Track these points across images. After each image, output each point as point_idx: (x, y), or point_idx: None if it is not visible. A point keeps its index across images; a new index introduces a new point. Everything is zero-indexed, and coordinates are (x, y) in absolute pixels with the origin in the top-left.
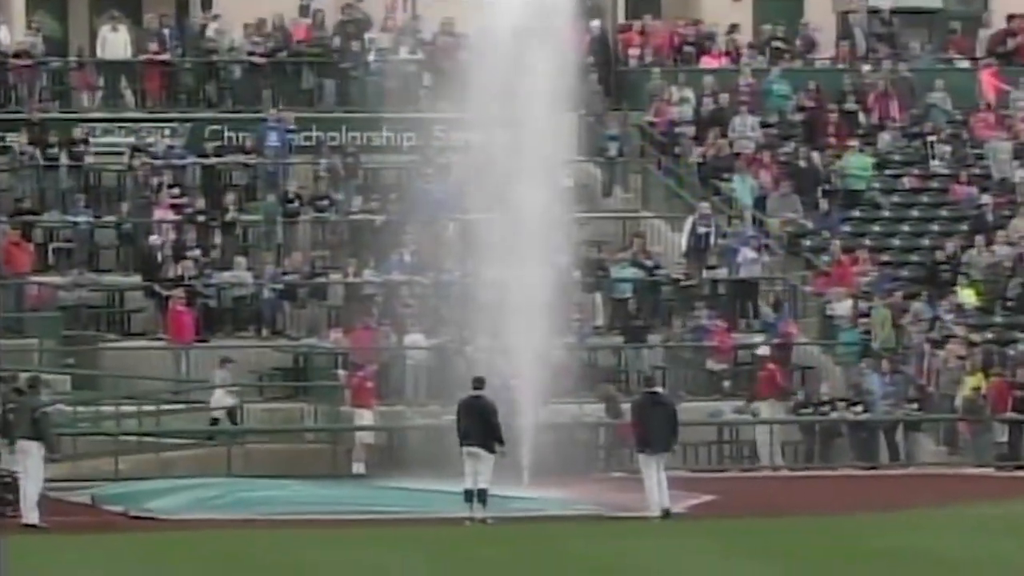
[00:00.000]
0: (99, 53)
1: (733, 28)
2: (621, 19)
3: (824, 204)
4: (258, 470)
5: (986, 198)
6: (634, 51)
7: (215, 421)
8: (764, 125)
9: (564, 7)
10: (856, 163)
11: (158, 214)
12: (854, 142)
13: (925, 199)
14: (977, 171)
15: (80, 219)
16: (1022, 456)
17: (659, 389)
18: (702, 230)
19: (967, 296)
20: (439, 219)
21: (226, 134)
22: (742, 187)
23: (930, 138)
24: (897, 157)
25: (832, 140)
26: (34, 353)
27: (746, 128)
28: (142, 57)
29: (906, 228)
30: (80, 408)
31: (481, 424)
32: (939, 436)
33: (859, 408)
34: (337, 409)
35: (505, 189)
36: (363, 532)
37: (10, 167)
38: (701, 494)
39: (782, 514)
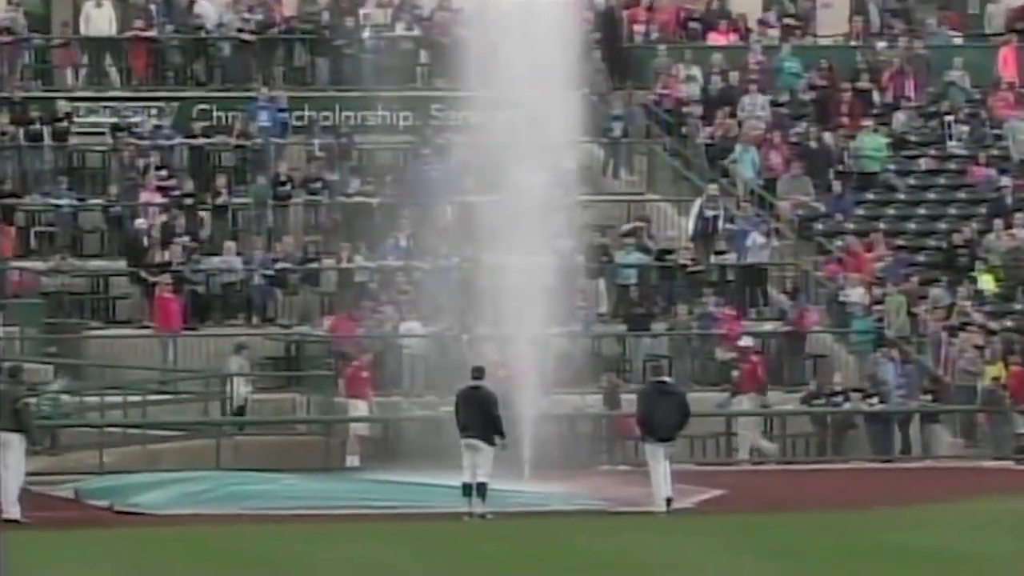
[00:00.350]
0: (83, 29)
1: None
2: None
3: (837, 186)
4: (249, 463)
5: (1005, 180)
6: (639, 27)
7: (240, 411)
8: (775, 104)
9: None
10: (870, 144)
11: (144, 197)
12: (868, 122)
13: (942, 181)
14: (996, 152)
15: (63, 202)
16: None
17: (667, 378)
18: (710, 213)
19: (985, 282)
20: (436, 202)
21: (215, 114)
22: (745, 160)
23: (947, 117)
24: (913, 137)
25: (845, 120)
26: (15, 341)
27: (756, 107)
28: (127, 34)
29: (922, 211)
30: (63, 398)
31: (481, 415)
32: (956, 428)
33: (873, 399)
34: (330, 400)
35: (505, 171)
36: (358, 527)
37: None
38: (709, 488)
39: (792, 509)
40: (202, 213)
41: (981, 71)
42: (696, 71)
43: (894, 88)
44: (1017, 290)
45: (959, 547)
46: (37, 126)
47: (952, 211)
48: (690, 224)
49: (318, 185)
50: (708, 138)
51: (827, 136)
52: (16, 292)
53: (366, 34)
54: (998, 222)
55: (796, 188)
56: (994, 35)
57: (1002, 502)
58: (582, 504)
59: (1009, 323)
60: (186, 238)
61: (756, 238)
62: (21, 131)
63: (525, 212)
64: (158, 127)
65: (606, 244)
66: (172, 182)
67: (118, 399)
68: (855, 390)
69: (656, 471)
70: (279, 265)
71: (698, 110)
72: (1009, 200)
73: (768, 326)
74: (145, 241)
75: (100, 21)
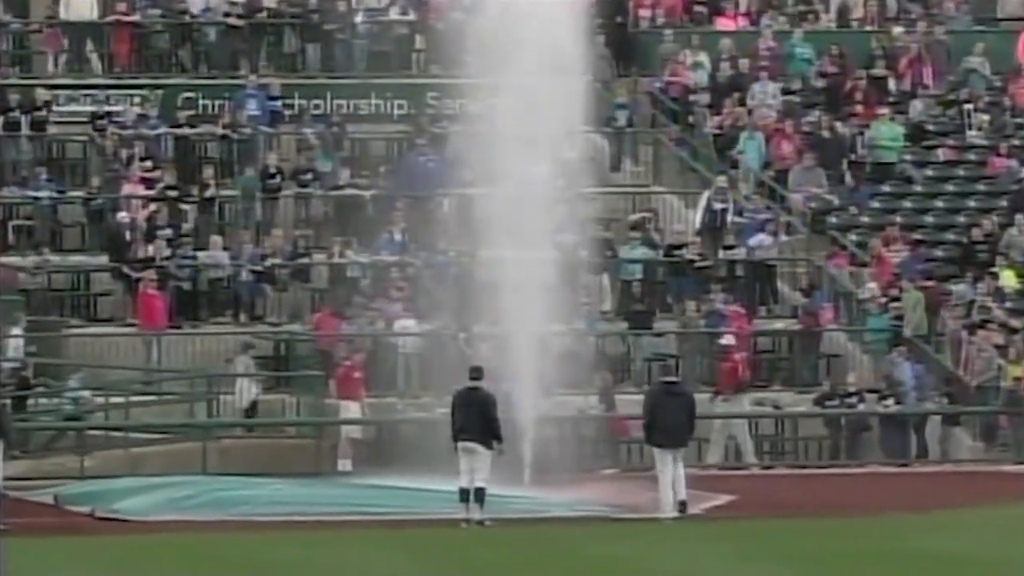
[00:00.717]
0: (63, 14)
1: None
2: None
3: (851, 178)
4: (236, 467)
5: None
6: (645, 11)
7: (249, 414)
8: (786, 92)
9: None
10: (886, 133)
11: (127, 189)
12: (883, 110)
13: (961, 173)
14: (1017, 142)
15: (42, 194)
16: None
17: (676, 378)
18: (718, 206)
19: (1007, 278)
20: (432, 194)
21: (201, 102)
22: (750, 149)
23: (967, 106)
24: (931, 127)
25: (860, 108)
26: None
27: (766, 95)
28: (110, 18)
29: (940, 204)
30: (42, 400)
31: (478, 418)
32: (976, 430)
33: (889, 400)
34: (322, 401)
35: (504, 162)
36: (350, 535)
37: None
38: (718, 493)
39: (805, 515)
40: (187, 206)
41: (1002, 57)
42: (704, 57)
43: (911, 75)
44: None
45: (979, 554)
46: (15, 115)
47: (971, 204)
48: (697, 217)
49: (309, 177)
50: (716, 127)
51: (838, 126)
52: None
53: (359, 18)
54: (1020, 216)
55: (808, 180)
56: (1006, 19)
57: None
58: (586, 510)
59: None
60: (170, 232)
61: (762, 239)
62: None
63: (525, 205)
64: (141, 116)
65: (610, 238)
66: (156, 174)
67: (100, 400)
68: (870, 391)
69: (664, 475)
70: (268, 261)
71: (706, 98)
72: None
73: (779, 324)
74: (128, 235)
75: (81, 5)
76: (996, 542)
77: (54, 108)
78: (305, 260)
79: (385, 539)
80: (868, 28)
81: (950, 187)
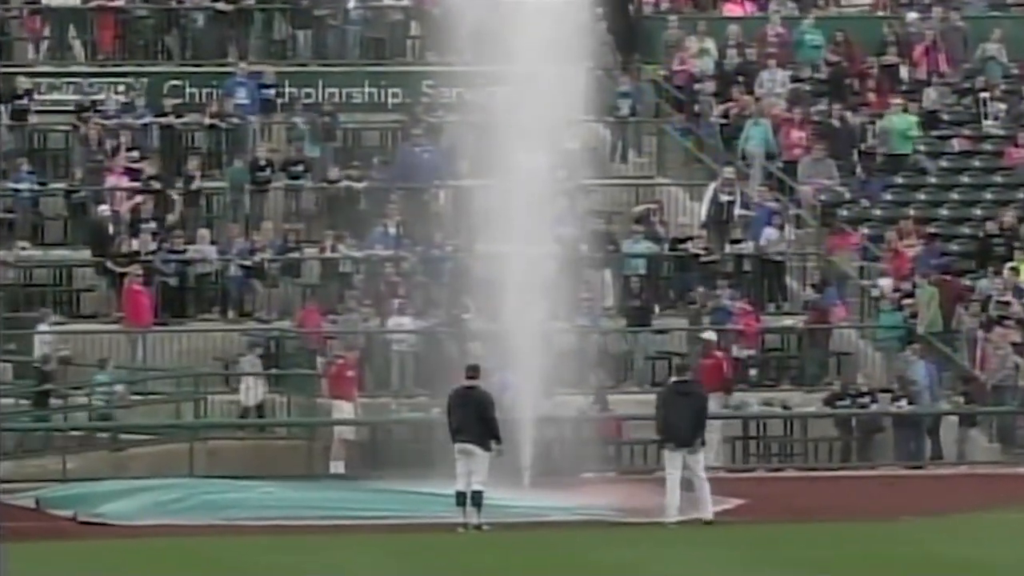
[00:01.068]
0: None
1: None
2: None
3: (862, 170)
4: (224, 470)
5: None
6: None
7: (259, 413)
8: (795, 80)
9: None
10: (900, 123)
11: (111, 181)
12: (896, 99)
13: (977, 164)
14: None
15: (23, 186)
16: None
17: (689, 377)
18: (724, 198)
19: None
20: (428, 186)
21: (187, 90)
22: (755, 135)
23: (983, 94)
24: (945, 116)
25: (872, 97)
26: None
27: (775, 84)
28: (93, 3)
29: (955, 196)
30: (23, 400)
31: (475, 418)
32: (992, 431)
33: (902, 400)
34: (313, 401)
35: (503, 152)
36: (342, 539)
37: None
38: (725, 497)
39: (816, 519)
40: (174, 198)
41: (1020, 44)
42: (710, 44)
43: (926, 63)
44: None
45: (995, 559)
46: None
47: (988, 196)
48: (703, 210)
49: (299, 168)
50: (723, 117)
51: (851, 115)
52: None
53: (351, 3)
54: None
55: (819, 171)
56: (1017, 5)
57: None
58: (588, 514)
59: None
60: (156, 225)
61: (770, 233)
62: None
63: (525, 197)
64: (126, 105)
65: (612, 232)
66: (141, 165)
67: (83, 400)
68: (882, 390)
69: (672, 477)
70: (257, 255)
71: (712, 87)
72: None
73: (788, 321)
74: (111, 229)
75: None
76: (1013, 547)
77: (35, 97)
78: (296, 254)
79: (379, 544)
80: (880, 14)
81: (965, 179)
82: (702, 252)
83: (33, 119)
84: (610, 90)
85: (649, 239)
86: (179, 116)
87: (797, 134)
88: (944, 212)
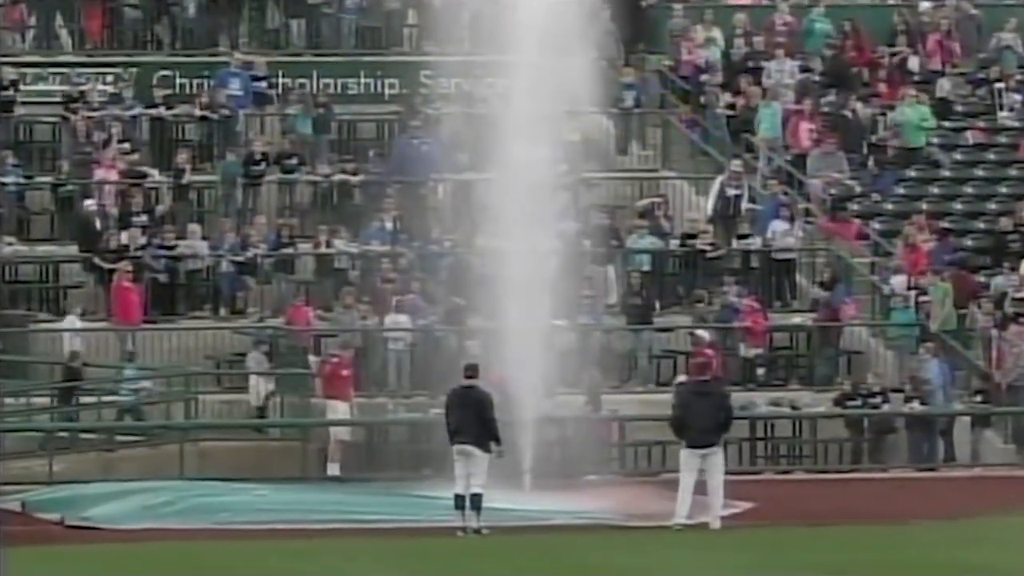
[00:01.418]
0: None
1: None
2: None
3: (873, 163)
4: (216, 472)
5: None
6: None
7: (261, 412)
8: (804, 70)
9: None
10: (914, 115)
11: (99, 174)
12: (909, 90)
13: (992, 157)
14: None
15: (8, 180)
16: None
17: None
18: (732, 192)
19: None
20: (426, 180)
21: (178, 81)
22: (767, 117)
23: (998, 85)
24: (959, 107)
25: (883, 88)
26: None
27: (783, 74)
28: None
29: (969, 190)
30: (8, 400)
31: (474, 418)
32: (1008, 432)
33: (915, 400)
34: (308, 401)
35: (503, 145)
36: (338, 543)
37: None
38: (732, 500)
39: (826, 523)
40: (164, 192)
41: None
42: (716, 33)
43: (939, 52)
44: None
45: (1011, 565)
46: None
47: (1003, 190)
48: (709, 204)
49: (293, 161)
50: (729, 108)
51: (862, 106)
52: None
53: None
54: None
55: (828, 164)
56: None
57: None
58: (591, 518)
59: None
60: (145, 220)
61: (777, 226)
62: None
63: (525, 191)
64: (115, 96)
65: (616, 227)
66: (130, 158)
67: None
68: (894, 390)
69: (685, 482)
70: (250, 251)
71: (719, 77)
72: None
73: (797, 318)
74: (99, 223)
75: None
76: None
77: (21, 88)
78: (289, 250)
79: (375, 549)
80: (892, 2)
81: (980, 172)
82: (708, 248)
83: (19, 111)
84: (614, 81)
85: (654, 234)
86: (169, 107)
87: (806, 126)
88: (958, 207)
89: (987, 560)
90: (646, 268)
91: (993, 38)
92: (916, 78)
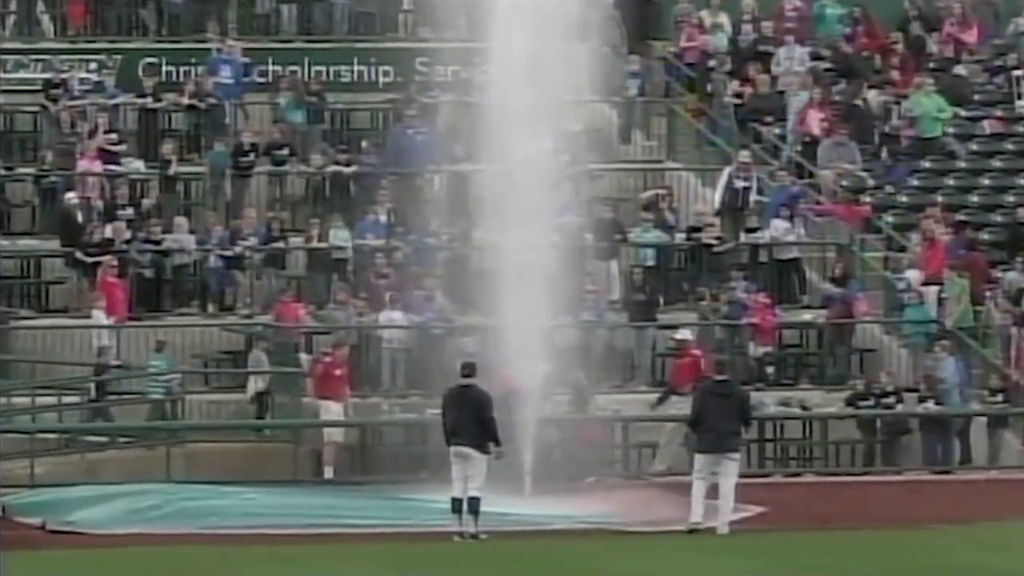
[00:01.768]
0: None
1: None
2: None
3: (886, 153)
4: (204, 475)
5: None
6: None
7: (259, 414)
8: (815, 58)
9: None
10: (929, 104)
11: (82, 166)
12: (924, 79)
13: (1010, 147)
14: None
15: None
16: None
17: (728, 377)
18: (740, 184)
19: None
20: (422, 171)
21: (164, 69)
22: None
23: (1015, 72)
24: (976, 96)
25: (896, 76)
26: None
27: (793, 61)
28: None
29: (986, 182)
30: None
31: (472, 419)
32: None
33: (930, 400)
34: (299, 400)
35: (502, 135)
36: (331, 549)
37: None
38: (744, 504)
39: (838, 527)
40: (150, 184)
41: None
42: (724, 19)
43: (954, 39)
44: None
45: None
46: None
47: (1021, 182)
48: (717, 197)
49: (284, 152)
50: (737, 97)
51: (875, 95)
52: None
53: None
54: None
55: (840, 155)
56: None
57: None
58: (593, 522)
59: None
60: (131, 213)
61: (777, 225)
62: None
63: (525, 183)
64: (98, 84)
65: (619, 220)
66: (115, 148)
67: (52, 400)
68: (908, 390)
69: (698, 483)
70: (239, 245)
71: (726, 65)
72: None
73: (807, 315)
74: (80, 216)
75: None
76: None
77: (1, 75)
78: (280, 244)
79: (369, 554)
80: None
81: (997, 163)
82: (715, 242)
83: None
84: (617, 68)
85: (658, 228)
86: (155, 96)
87: (816, 115)
88: (974, 199)
89: (1005, 565)
90: (650, 263)
91: (1010, 24)
92: (932, 65)
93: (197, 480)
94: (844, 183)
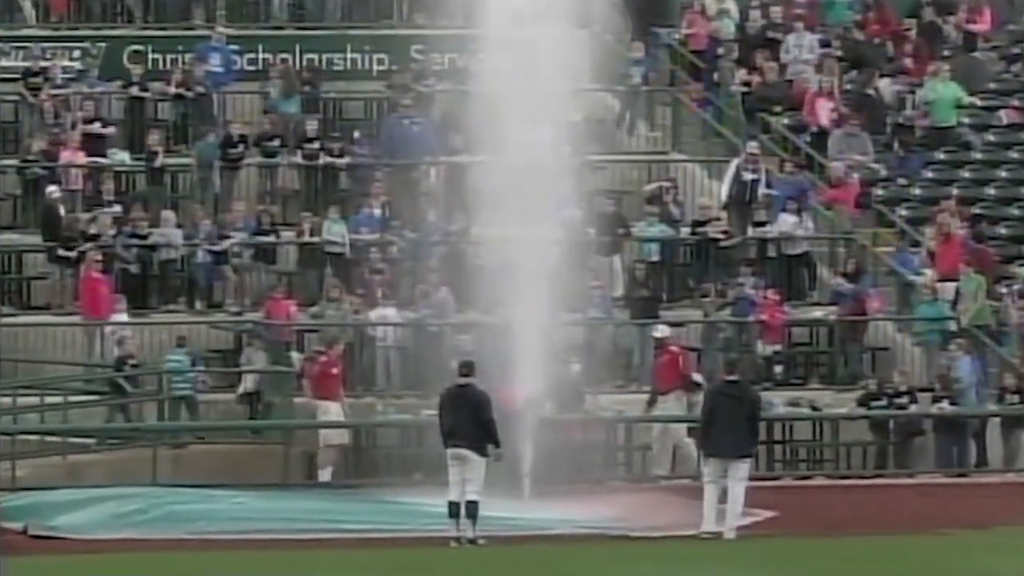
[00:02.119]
0: None
1: None
2: None
3: (899, 145)
4: (192, 478)
5: None
6: None
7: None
8: (825, 45)
9: None
10: (945, 93)
11: (65, 157)
12: (939, 66)
13: None
14: None
15: None
16: None
17: (738, 377)
18: (748, 177)
19: None
20: (418, 163)
21: (150, 57)
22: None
23: None
24: (992, 85)
25: (909, 64)
26: None
27: (802, 49)
28: None
29: (1003, 174)
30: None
31: (470, 420)
32: None
33: (945, 401)
34: (290, 400)
35: (500, 125)
36: (323, 555)
37: None
38: (754, 509)
39: (851, 532)
40: (136, 177)
41: None
42: (731, 5)
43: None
44: None
45: None
46: None
47: None
48: (724, 189)
49: (275, 143)
50: (745, 86)
51: (887, 83)
52: None
53: None
54: None
55: (851, 146)
56: None
57: None
58: (595, 527)
59: None
60: (116, 207)
61: (785, 219)
62: None
63: (525, 175)
64: (82, 73)
65: (622, 214)
66: (99, 139)
67: (35, 400)
68: (922, 390)
69: (710, 489)
70: (228, 240)
71: (733, 52)
72: None
73: (817, 312)
74: (65, 210)
75: None
76: None
77: None
78: (271, 239)
79: (363, 560)
80: None
81: (1014, 154)
82: (722, 236)
83: None
84: (620, 56)
85: (663, 222)
86: (141, 85)
87: (826, 104)
88: (991, 191)
89: (1022, 570)
90: (654, 258)
91: None
92: (947, 52)
93: (185, 483)
94: (856, 175)
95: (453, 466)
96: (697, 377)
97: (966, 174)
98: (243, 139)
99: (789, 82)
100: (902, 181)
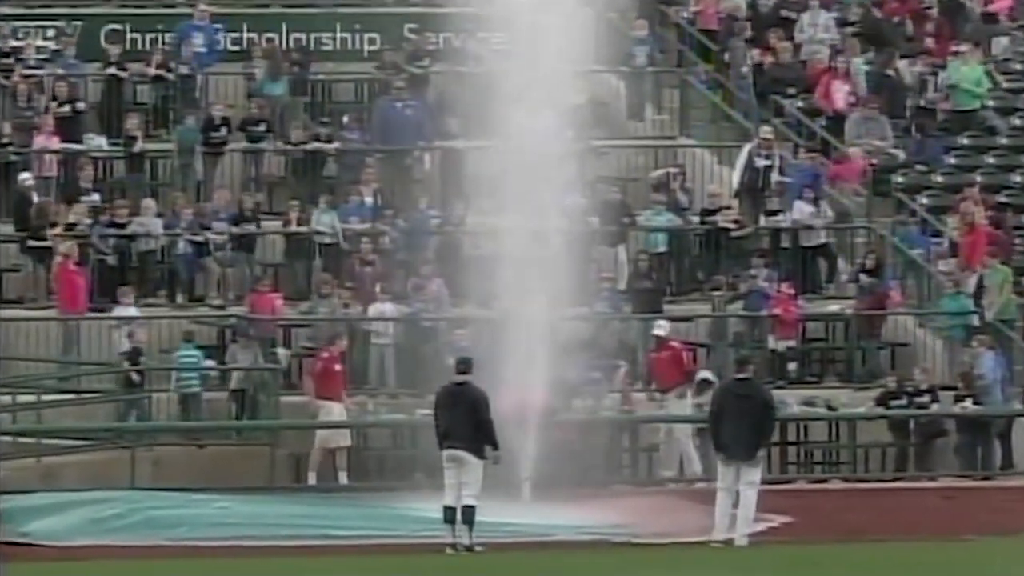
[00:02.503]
0: None
1: None
2: None
3: (920, 129)
4: (172, 481)
5: None
6: None
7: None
8: (841, 24)
9: None
10: (968, 76)
11: (39, 142)
12: (962, 48)
13: None
14: None
15: None
16: None
17: (749, 375)
18: (761, 163)
19: None
20: (411, 148)
21: (129, 36)
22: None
23: None
24: (1018, 66)
25: (931, 44)
26: None
27: (817, 28)
28: None
29: None
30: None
31: (467, 420)
32: None
33: (968, 400)
34: (276, 399)
35: (499, 109)
36: (312, 562)
37: None
38: (768, 514)
39: (869, 538)
40: (113, 163)
41: None
42: None
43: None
44: None
45: None
46: None
47: None
48: (735, 176)
49: (260, 128)
50: (757, 67)
51: (907, 65)
52: None
53: None
54: None
55: (869, 131)
56: None
57: None
58: (598, 533)
59: None
60: (94, 195)
61: (801, 208)
62: None
63: (525, 162)
64: (57, 53)
65: (628, 202)
66: (75, 124)
67: (7, 399)
68: (945, 388)
69: (722, 499)
70: (211, 229)
71: (745, 32)
72: None
73: (834, 306)
74: (39, 198)
75: None
76: None
77: None
78: (255, 228)
79: (353, 567)
80: None
81: None
82: (732, 225)
83: None
84: (624, 35)
85: (671, 210)
86: (119, 66)
87: (843, 87)
88: (1016, 179)
89: None
90: (662, 249)
91: None
92: (968, 34)
93: (164, 487)
94: (874, 161)
95: (449, 468)
96: (707, 374)
97: (991, 160)
98: (226, 122)
99: (803, 63)
100: (923, 168)
